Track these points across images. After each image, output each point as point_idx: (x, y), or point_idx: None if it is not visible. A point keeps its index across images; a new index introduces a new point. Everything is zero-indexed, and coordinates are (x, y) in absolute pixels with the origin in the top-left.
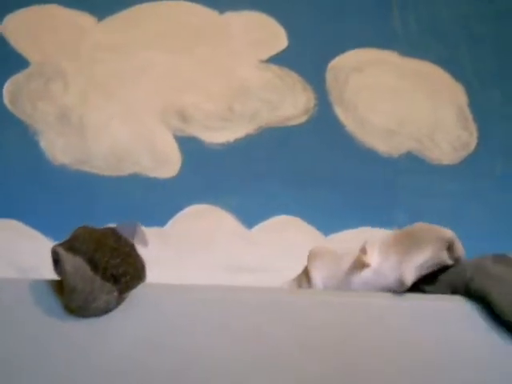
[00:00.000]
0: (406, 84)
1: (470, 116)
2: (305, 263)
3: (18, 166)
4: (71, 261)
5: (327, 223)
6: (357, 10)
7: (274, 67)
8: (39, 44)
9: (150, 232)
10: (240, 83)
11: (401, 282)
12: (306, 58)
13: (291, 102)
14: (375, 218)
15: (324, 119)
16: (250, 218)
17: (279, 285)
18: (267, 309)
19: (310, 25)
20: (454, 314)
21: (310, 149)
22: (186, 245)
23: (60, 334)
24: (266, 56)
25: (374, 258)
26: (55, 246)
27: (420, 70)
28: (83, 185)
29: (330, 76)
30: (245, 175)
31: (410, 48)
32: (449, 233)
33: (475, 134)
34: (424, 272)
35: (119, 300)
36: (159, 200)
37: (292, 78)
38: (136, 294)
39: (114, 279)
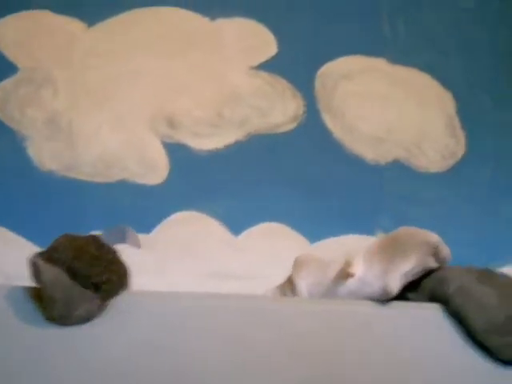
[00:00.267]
0: (394, 92)
1: (458, 124)
2: (290, 270)
3: (5, 172)
4: (50, 271)
5: (314, 230)
6: (346, 18)
7: (263, 74)
8: (29, 50)
9: None
10: (230, 89)
11: (386, 292)
12: (296, 65)
13: (280, 109)
14: (362, 225)
15: (312, 126)
16: (236, 224)
17: (263, 292)
18: (254, 316)
19: (300, 32)
20: (435, 322)
21: (298, 156)
22: (173, 251)
23: (41, 341)
24: (256, 63)
25: (358, 267)
26: (33, 257)
27: (409, 78)
28: (71, 191)
29: (318, 83)
30: (232, 182)
31: (399, 56)
32: (434, 237)
33: (463, 142)
34: (410, 279)
35: (101, 307)
36: (147, 206)
37: (282, 85)
38: (121, 301)
39: (96, 287)
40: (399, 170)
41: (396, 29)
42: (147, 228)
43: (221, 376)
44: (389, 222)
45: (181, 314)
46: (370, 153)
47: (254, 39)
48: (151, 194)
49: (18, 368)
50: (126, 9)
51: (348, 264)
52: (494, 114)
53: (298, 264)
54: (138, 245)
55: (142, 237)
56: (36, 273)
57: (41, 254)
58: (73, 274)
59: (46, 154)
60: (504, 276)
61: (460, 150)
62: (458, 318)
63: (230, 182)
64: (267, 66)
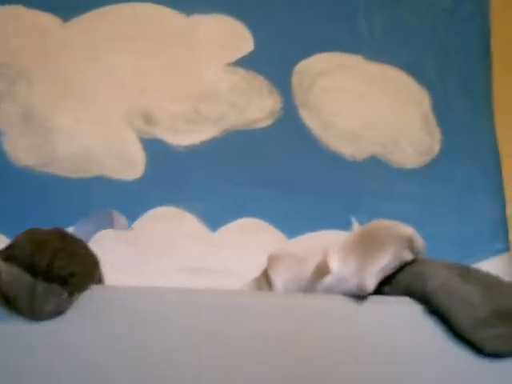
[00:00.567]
0: (370, 88)
1: (433, 120)
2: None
3: None
4: (8, 271)
5: (291, 226)
6: (323, 14)
7: (240, 70)
8: (3, 45)
9: (113, 234)
10: (206, 86)
11: (362, 288)
12: (273, 62)
13: (257, 106)
14: (339, 221)
15: (289, 122)
16: (214, 220)
17: (239, 286)
18: (230, 311)
19: (277, 28)
20: (413, 319)
21: (275, 152)
22: (150, 247)
23: (10, 335)
24: (232, 59)
25: (334, 264)
26: None
27: (385, 75)
28: (47, 187)
29: (295, 79)
30: (210, 178)
31: (376, 53)
32: (408, 229)
33: (438, 139)
34: (386, 274)
35: (70, 301)
36: (124, 202)
37: (258, 82)
38: (94, 295)
39: (62, 281)
40: (376, 165)
41: (372, 26)
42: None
43: (196, 372)
44: (366, 218)
45: (155, 309)
46: (348, 149)
47: (230, 36)
48: (128, 189)
49: None
50: (102, 4)
51: (324, 260)
52: (468, 111)
53: (273, 259)
54: (125, 227)
55: (119, 232)
56: None
57: None
58: (34, 270)
59: (21, 150)
60: (482, 273)
61: (436, 147)
62: (441, 315)
63: (207, 177)
64: (244, 63)
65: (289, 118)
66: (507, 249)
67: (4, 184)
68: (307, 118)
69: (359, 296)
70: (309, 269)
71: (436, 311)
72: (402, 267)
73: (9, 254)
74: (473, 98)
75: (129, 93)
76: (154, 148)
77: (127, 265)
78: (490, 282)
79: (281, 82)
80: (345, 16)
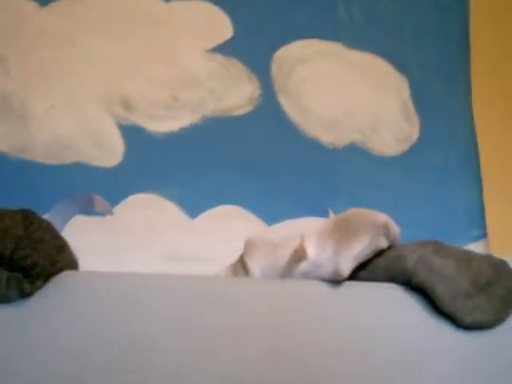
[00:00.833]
0: (350, 75)
1: (412, 108)
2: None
3: None
4: None
5: (270, 213)
6: (303, 1)
7: (219, 56)
8: None
9: (91, 221)
10: (185, 72)
11: (338, 274)
12: (252, 48)
13: (236, 92)
14: (318, 208)
15: (269, 109)
16: (193, 207)
17: (216, 272)
18: (205, 297)
19: (256, 15)
20: (391, 301)
21: (255, 139)
22: (129, 234)
23: None
24: (211, 45)
25: (311, 250)
26: None
27: (364, 62)
28: (24, 173)
29: (275, 66)
30: (189, 165)
31: (355, 40)
32: (383, 217)
33: (417, 126)
34: (361, 260)
35: (34, 288)
36: (102, 189)
37: (237, 68)
38: (70, 281)
39: (24, 270)
40: (355, 153)
41: (352, 14)
42: None
43: (170, 358)
44: (345, 205)
45: (128, 295)
46: (327, 136)
47: (209, 22)
48: (106, 176)
49: None
50: None
51: (301, 246)
52: (446, 98)
53: (249, 245)
54: (107, 211)
55: (97, 219)
56: None
57: None
58: None
59: None
60: (454, 247)
61: (414, 134)
62: (423, 290)
63: (186, 164)
64: (223, 49)
65: (268, 105)
66: (484, 235)
67: None
68: (286, 104)
69: (335, 281)
70: (285, 254)
71: (417, 287)
72: (379, 253)
73: None
74: (451, 85)
75: (107, 79)
76: (132, 134)
77: (105, 252)
78: (463, 255)
79: (260, 68)
80: (325, 3)
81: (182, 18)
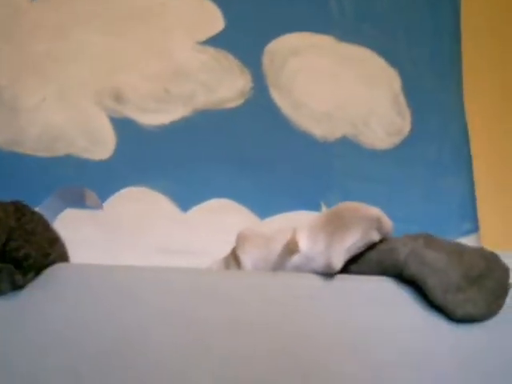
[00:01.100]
0: (342, 69)
1: (403, 101)
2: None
3: None
4: None
5: (263, 206)
6: None
7: (210, 49)
8: None
9: (83, 214)
10: (176, 65)
11: (330, 267)
12: (243, 41)
13: (228, 85)
14: (310, 201)
15: (260, 102)
16: (185, 200)
17: (208, 265)
18: (198, 290)
19: (247, 7)
20: (383, 294)
21: (246, 132)
22: (121, 227)
23: None
24: (202, 38)
25: (303, 243)
26: None
27: (356, 55)
28: (15, 166)
29: (266, 59)
30: (181, 158)
31: (347, 33)
32: (375, 211)
33: (409, 120)
34: (353, 253)
35: (26, 280)
36: (93, 182)
37: (229, 61)
38: (62, 273)
39: (16, 262)
40: (347, 146)
41: (344, 7)
42: None
43: (163, 351)
44: (337, 198)
45: (120, 288)
46: (319, 129)
47: (200, 14)
48: (98, 169)
49: None
50: None
51: (293, 239)
52: (438, 92)
53: (241, 238)
54: (98, 205)
55: (89, 212)
56: None
57: None
58: None
59: None
60: (444, 240)
61: (406, 128)
62: (415, 283)
63: (178, 157)
64: (214, 42)
65: (260, 98)
66: (476, 229)
67: None
68: (278, 97)
69: (327, 274)
70: (277, 247)
71: (409, 280)
72: (371, 246)
73: None
74: (443, 79)
75: (98, 72)
76: (124, 127)
77: (97, 245)
78: (454, 248)
79: (251, 61)
80: None
81: (173, 10)
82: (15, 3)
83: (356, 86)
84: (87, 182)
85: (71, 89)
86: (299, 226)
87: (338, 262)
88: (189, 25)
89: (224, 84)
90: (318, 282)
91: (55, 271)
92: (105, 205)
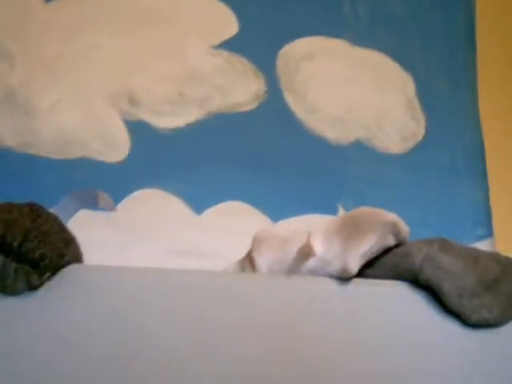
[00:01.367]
0: (355, 73)
1: (418, 106)
2: (250, 246)
3: None
4: None
5: (276, 210)
6: None
7: (224, 53)
8: None
9: (97, 216)
10: (190, 68)
11: (345, 271)
12: (257, 45)
13: (242, 89)
14: (324, 205)
15: (274, 106)
16: (199, 203)
17: (223, 268)
18: (212, 292)
19: (262, 11)
20: (398, 299)
21: (260, 135)
22: (134, 230)
23: None
24: (216, 41)
25: (318, 246)
26: None
27: (369, 59)
28: (29, 168)
29: (280, 63)
30: (194, 161)
31: (361, 37)
32: (392, 216)
33: (423, 124)
34: (368, 258)
35: (42, 280)
36: (107, 184)
37: (243, 65)
38: (77, 274)
39: (32, 263)
40: (360, 150)
41: (358, 11)
42: None
43: (176, 354)
44: (350, 203)
45: (135, 290)
46: (332, 133)
47: (214, 18)
48: (112, 171)
49: None
50: None
51: (308, 243)
52: (453, 97)
53: (257, 240)
54: (111, 207)
55: (102, 214)
56: None
57: None
58: (6, 249)
59: (3, 130)
60: (460, 245)
61: (420, 132)
62: (430, 288)
63: (192, 160)
64: (228, 45)
65: (273, 102)
66: (490, 234)
67: None
68: (292, 101)
69: (342, 278)
70: (293, 250)
71: (424, 285)
72: (386, 250)
73: None
74: (457, 83)
75: (113, 74)
76: (138, 130)
77: (110, 247)
78: (469, 253)
79: (265, 65)
80: (330, 0)
81: (187, 14)
82: (28, 5)
83: (370, 90)
84: (101, 184)
85: (85, 91)
86: (315, 228)
87: (354, 267)
88: (203, 28)
89: (238, 88)
90: (332, 285)
91: (70, 272)
92: (118, 207)
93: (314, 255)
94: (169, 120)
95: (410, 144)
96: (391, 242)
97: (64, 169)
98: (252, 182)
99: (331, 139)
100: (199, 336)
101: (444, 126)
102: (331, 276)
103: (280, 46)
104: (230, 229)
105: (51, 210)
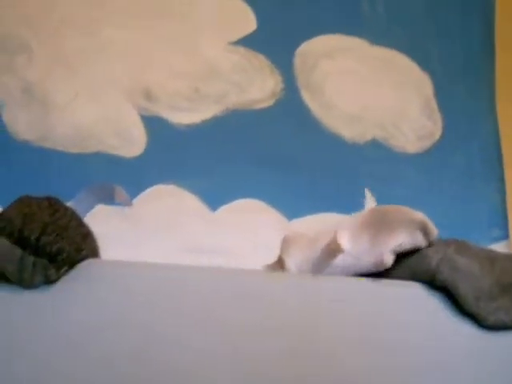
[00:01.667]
0: (373, 71)
1: (435, 106)
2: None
3: None
4: None
5: (291, 208)
6: None
7: (242, 49)
8: (5, 17)
9: (112, 211)
10: (207, 64)
11: (381, 263)
12: (275, 42)
13: (258, 85)
14: (339, 203)
15: (291, 103)
16: (214, 200)
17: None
18: (230, 291)
19: (280, 8)
20: (415, 300)
21: (277, 132)
22: (149, 225)
23: (5, 307)
24: (234, 38)
25: (346, 243)
26: None
27: (387, 59)
28: (46, 162)
29: (298, 60)
30: (210, 157)
31: (379, 36)
32: (420, 215)
33: (440, 124)
34: (398, 253)
35: (59, 274)
36: (123, 179)
37: (260, 61)
38: (94, 269)
39: (50, 256)
40: (377, 149)
41: (376, 9)
42: None
43: (193, 351)
44: (366, 202)
45: (153, 286)
46: (348, 131)
47: (232, 14)
48: (128, 166)
49: None
50: None
51: (334, 240)
52: (470, 98)
53: (286, 242)
54: (127, 203)
55: (117, 209)
56: None
57: None
58: (23, 243)
59: (21, 124)
60: (477, 246)
61: (437, 132)
62: (447, 289)
63: (208, 156)
64: (246, 42)
65: (290, 99)
66: (506, 236)
67: (3, 158)
68: (308, 99)
69: (359, 278)
70: (320, 251)
71: (441, 287)
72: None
73: None
74: (475, 84)
75: (130, 69)
76: (154, 125)
77: (125, 242)
78: (486, 255)
79: (283, 62)
80: None
81: (205, 10)
82: None
83: (387, 89)
84: (117, 179)
85: (102, 85)
86: (341, 226)
87: (389, 260)
88: (221, 24)
89: (255, 84)
90: (351, 285)
91: (87, 266)
92: (134, 202)
93: (342, 251)
94: (185, 116)
95: (427, 144)
96: (421, 241)
97: (80, 163)
98: (267, 180)
99: (347, 138)
100: (216, 335)
101: (461, 127)
102: (361, 271)
103: (298, 43)
104: (245, 226)
105: (68, 204)
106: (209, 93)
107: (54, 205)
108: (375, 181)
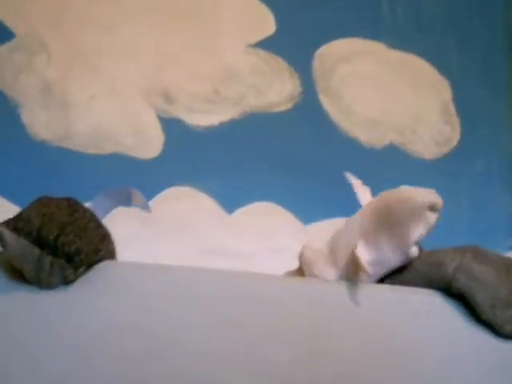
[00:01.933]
0: (391, 76)
1: (453, 111)
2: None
3: None
4: (15, 243)
5: (307, 212)
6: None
7: (261, 52)
8: (24, 16)
9: (129, 212)
10: (227, 66)
11: (409, 255)
12: (294, 45)
13: (277, 88)
14: (355, 208)
15: (309, 107)
16: (230, 202)
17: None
18: (242, 294)
19: (299, 11)
20: (431, 307)
21: (294, 136)
22: (165, 227)
23: (20, 302)
24: (253, 40)
25: (366, 255)
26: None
27: (406, 63)
28: (63, 162)
29: (316, 64)
30: (227, 160)
31: (398, 40)
32: (420, 195)
33: (458, 130)
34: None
35: (76, 274)
36: (140, 180)
37: (279, 64)
38: (111, 270)
39: (67, 257)
40: (394, 154)
41: (395, 13)
42: None
43: (207, 353)
44: None
45: (168, 288)
46: (366, 136)
47: (252, 17)
48: (145, 168)
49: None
50: None
51: (356, 258)
52: (489, 103)
53: (306, 262)
54: (145, 207)
55: (134, 211)
56: (2, 243)
57: (7, 223)
58: (42, 242)
59: (39, 124)
60: (492, 253)
61: (455, 138)
62: (463, 297)
63: (225, 159)
64: (265, 45)
65: (308, 103)
66: None
67: (21, 158)
68: (327, 103)
69: (373, 285)
70: (340, 264)
71: (457, 294)
72: (418, 257)
73: (17, 225)
74: (494, 90)
75: (148, 70)
76: (172, 127)
77: (142, 244)
78: (503, 262)
79: (301, 65)
80: (368, 2)
81: (225, 11)
82: None
83: (405, 93)
84: (134, 179)
85: (121, 86)
86: (350, 230)
87: (416, 252)
88: (240, 27)
89: (273, 87)
90: (367, 291)
91: (104, 268)
92: (151, 203)
93: (368, 274)
94: (203, 118)
95: (444, 149)
96: (433, 219)
97: (97, 164)
98: (284, 184)
99: (365, 142)
100: (232, 338)
101: (480, 133)
102: (389, 270)
103: (316, 46)
104: (261, 229)
105: (86, 205)
106: (227, 95)
107: (72, 205)
108: (392, 186)
